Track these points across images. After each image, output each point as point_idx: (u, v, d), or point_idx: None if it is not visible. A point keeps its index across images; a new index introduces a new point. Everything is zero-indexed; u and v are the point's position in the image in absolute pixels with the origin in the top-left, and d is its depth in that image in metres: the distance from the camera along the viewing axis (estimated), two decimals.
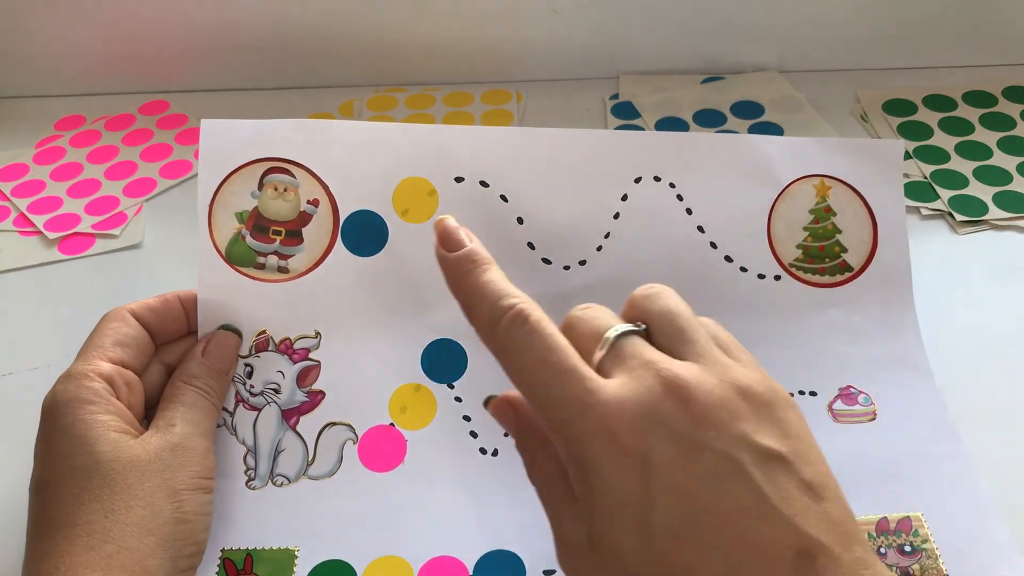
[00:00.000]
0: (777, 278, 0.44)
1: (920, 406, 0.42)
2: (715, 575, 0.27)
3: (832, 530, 0.27)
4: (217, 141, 0.41)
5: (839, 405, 0.43)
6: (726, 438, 0.28)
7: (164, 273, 0.53)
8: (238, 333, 0.41)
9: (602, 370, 0.30)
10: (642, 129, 0.61)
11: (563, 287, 0.43)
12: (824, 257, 0.45)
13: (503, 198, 0.43)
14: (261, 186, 0.41)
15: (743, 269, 0.44)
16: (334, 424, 0.40)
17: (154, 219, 0.57)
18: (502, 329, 0.30)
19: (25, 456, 0.43)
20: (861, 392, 0.43)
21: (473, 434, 0.40)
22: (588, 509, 0.28)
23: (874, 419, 0.42)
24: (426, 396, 0.41)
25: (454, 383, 0.41)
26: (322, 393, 0.41)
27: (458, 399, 0.41)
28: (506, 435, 0.41)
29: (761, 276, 0.44)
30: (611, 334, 0.30)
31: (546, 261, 0.43)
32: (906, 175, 0.56)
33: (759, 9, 0.62)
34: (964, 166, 0.57)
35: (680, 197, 0.44)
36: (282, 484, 0.39)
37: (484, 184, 0.42)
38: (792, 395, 0.41)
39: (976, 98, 0.62)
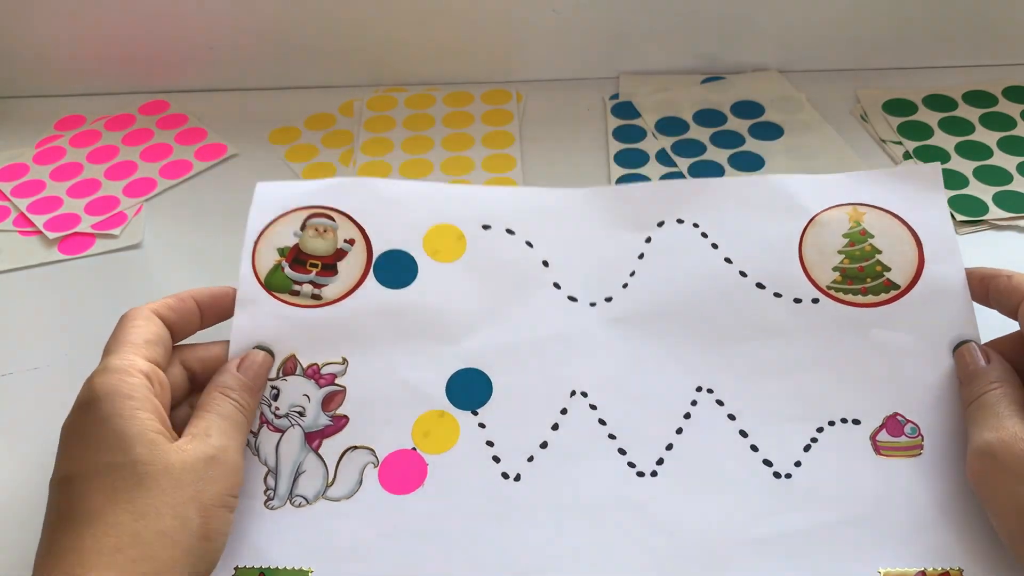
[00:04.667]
0: (815, 301, 0.43)
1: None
2: None
3: None
4: (268, 198, 0.46)
5: (883, 436, 0.40)
6: None
7: (164, 273, 0.53)
8: (271, 353, 0.42)
9: None
10: (642, 129, 0.61)
11: (589, 322, 0.43)
12: (865, 277, 0.43)
13: (528, 244, 0.45)
14: (303, 227, 0.45)
15: (777, 295, 0.43)
16: (356, 447, 0.40)
17: (154, 219, 0.57)
18: None
19: (25, 455, 0.43)
20: (908, 421, 0.40)
21: (496, 459, 0.40)
22: None
23: (920, 453, 0.39)
24: (449, 422, 0.41)
25: (478, 410, 0.41)
26: (346, 417, 0.41)
27: (481, 425, 0.41)
28: (530, 460, 0.40)
29: (797, 300, 0.43)
30: None
31: (572, 299, 0.44)
32: None
33: (759, 9, 0.62)
34: (964, 166, 0.56)
35: (705, 235, 0.45)
36: (300, 504, 0.39)
37: (510, 232, 0.45)
38: (833, 424, 0.40)
39: (976, 98, 0.62)
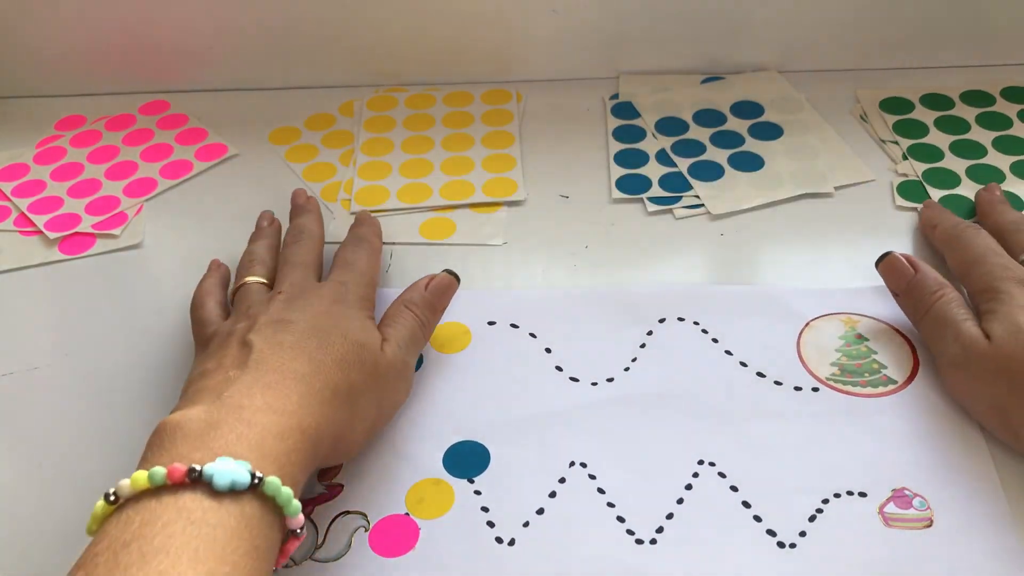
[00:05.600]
0: (815, 390, 0.44)
1: (981, 515, 0.38)
2: None
3: None
4: None
5: (891, 508, 0.39)
6: None
7: (164, 273, 0.53)
8: (457, 278, 0.46)
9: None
10: (642, 129, 0.61)
11: (591, 400, 0.44)
12: (863, 372, 0.44)
13: (532, 335, 0.48)
14: None
15: (777, 383, 0.44)
16: (348, 513, 0.40)
17: (154, 219, 0.57)
18: (961, 229, 0.47)
19: (25, 455, 0.43)
20: (916, 495, 0.39)
21: (490, 524, 0.39)
22: (993, 314, 0.41)
23: (930, 526, 0.38)
24: (445, 489, 0.41)
25: (475, 478, 0.41)
26: (341, 486, 0.41)
27: (477, 492, 0.41)
28: (525, 525, 0.39)
29: (798, 388, 0.44)
30: None
31: (573, 379, 0.45)
32: (903, 174, 0.56)
33: (759, 9, 0.62)
34: (957, 165, 0.57)
35: (705, 331, 0.47)
36: (288, 565, 0.38)
37: (514, 326, 0.48)
38: (839, 496, 0.40)
39: (974, 97, 0.62)
